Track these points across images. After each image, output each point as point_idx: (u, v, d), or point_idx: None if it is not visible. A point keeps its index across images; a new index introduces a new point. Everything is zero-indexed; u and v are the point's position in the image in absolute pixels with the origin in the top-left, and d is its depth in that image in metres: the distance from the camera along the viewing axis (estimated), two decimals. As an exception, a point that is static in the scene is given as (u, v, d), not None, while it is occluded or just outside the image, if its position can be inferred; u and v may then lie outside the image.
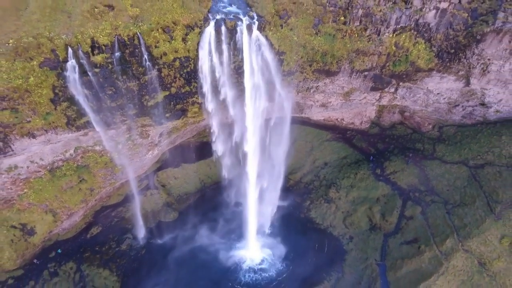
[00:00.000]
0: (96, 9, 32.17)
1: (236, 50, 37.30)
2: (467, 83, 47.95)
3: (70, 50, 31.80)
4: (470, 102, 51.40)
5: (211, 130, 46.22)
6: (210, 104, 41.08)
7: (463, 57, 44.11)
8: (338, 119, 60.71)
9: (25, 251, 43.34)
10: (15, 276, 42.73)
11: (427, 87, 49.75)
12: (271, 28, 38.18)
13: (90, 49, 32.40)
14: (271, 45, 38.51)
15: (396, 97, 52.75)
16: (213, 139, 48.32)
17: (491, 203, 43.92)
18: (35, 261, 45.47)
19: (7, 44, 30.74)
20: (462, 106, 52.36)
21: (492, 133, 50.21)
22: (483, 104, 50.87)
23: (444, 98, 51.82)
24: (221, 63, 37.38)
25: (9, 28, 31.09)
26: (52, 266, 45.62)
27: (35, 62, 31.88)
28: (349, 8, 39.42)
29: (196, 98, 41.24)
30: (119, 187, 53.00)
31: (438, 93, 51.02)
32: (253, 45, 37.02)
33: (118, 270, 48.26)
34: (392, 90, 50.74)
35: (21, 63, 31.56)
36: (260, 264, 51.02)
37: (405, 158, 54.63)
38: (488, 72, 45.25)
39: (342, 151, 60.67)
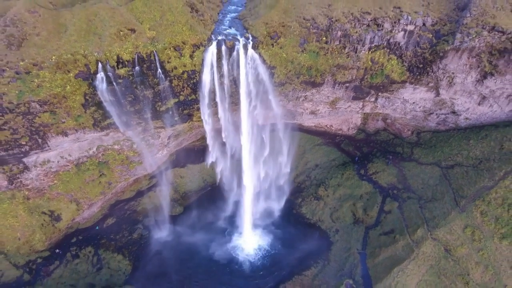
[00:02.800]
0: (121, 32, 39.96)
1: (234, 65, 44.70)
2: (437, 94, 54.72)
3: (100, 64, 39.49)
4: (442, 110, 57.97)
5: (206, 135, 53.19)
6: (210, 110, 48.35)
7: (431, 71, 51.06)
8: (328, 126, 67.60)
9: (52, 235, 50.32)
10: (43, 256, 49.59)
11: (403, 97, 56.56)
12: (264, 47, 45.66)
13: (115, 63, 40.05)
14: (263, 60, 45.92)
15: (377, 106, 59.58)
16: (208, 142, 55.07)
17: (457, 198, 49.95)
18: (57, 250, 52.00)
19: (50, 60, 38.57)
20: (436, 114, 58.91)
21: (462, 137, 56.49)
22: (454, 112, 57.39)
23: (420, 107, 58.50)
24: (221, 75, 44.84)
25: (52, 47, 38.98)
26: (74, 249, 52.46)
27: (71, 74, 39.64)
28: (330, 30, 46.83)
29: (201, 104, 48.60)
30: (132, 183, 60.13)
31: (413, 102, 57.74)
32: (248, 60, 44.44)
33: (130, 255, 54.75)
34: (373, 99, 57.61)
35: (60, 75, 39.33)
36: (255, 253, 57.08)
37: (386, 160, 61.08)
38: (454, 84, 52.05)
39: (331, 154, 67.30)
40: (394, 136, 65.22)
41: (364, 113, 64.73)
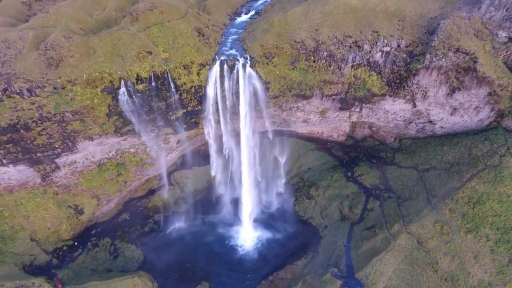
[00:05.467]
0: (140, 54, 47.91)
1: (234, 81, 52.33)
2: (414, 105, 61.83)
3: (122, 81, 47.38)
4: (420, 120, 64.97)
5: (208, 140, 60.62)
6: (213, 118, 55.98)
7: (406, 85, 58.27)
8: (319, 133, 74.90)
9: (76, 226, 57.93)
10: (68, 245, 57.17)
11: (384, 108, 63.74)
12: (260, 65, 53.31)
13: (135, 80, 47.94)
14: (260, 77, 53.54)
15: (362, 115, 66.79)
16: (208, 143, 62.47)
17: (429, 197, 56.66)
18: (75, 243, 59.35)
19: (82, 77, 46.57)
20: (415, 123, 65.90)
21: (437, 144, 63.31)
22: (430, 122, 64.35)
23: (400, 117, 65.57)
24: (223, 90, 52.52)
25: (83, 67, 47.07)
26: (94, 240, 60.01)
27: (99, 89, 47.58)
28: (317, 51, 54.42)
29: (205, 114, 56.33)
30: (144, 183, 67.80)
31: (394, 113, 64.86)
32: (246, 77, 52.10)
33: (142, 246, 61.99)
34: (358, 109, 64.88)
35: (89, 90, 47.29)
36: (253, 245, 64.10)
37: (370, 164, 68.11)
38: (428, 97, 59.14)
39: (323, 158, 74.46)
40: (379, 142, 72.26)
41: (352, 122, 71.95)
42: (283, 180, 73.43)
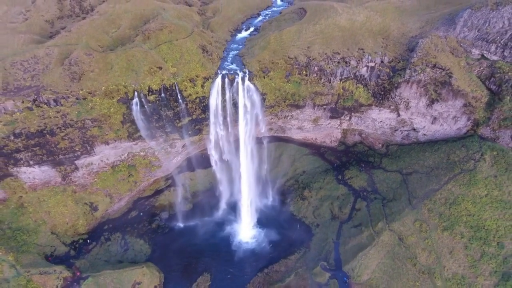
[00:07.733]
0: (152, 69, 54.38)
1: (234, 92, 58.65)
2: (398, 115, 67.84)
3: (135, 92, 53.86)
4: (405, 127, 70.89)
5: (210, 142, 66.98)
6: (214, 125, 62.18)
7: (390, 97, 64.35)
8: (313, 139, 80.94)
9: (91, 222, 64.19)
10: (84, 238, 63.37)
11: (372, 117, 69.76)
12: (257, 79, 59.62)
13: (147, 92, 54.41)
14: (257, 89, 59.84)
15: (352, 123, 72.81)
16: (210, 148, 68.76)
17: (410, 198, 62.39)
18: (88, 241, 65.26)
19: (100, 89, 53.05)
20: (400, 130, 71.82)
21: (420, 150, 69.09)
22: (414, 129, 70.25)
23: (387, 125, 71.53)
24: (224, 100, 58.82)
25: (102, 80, 53.58)
26: (106, 234, 66.13)
27: (115, 100, 54.07)
28: (308, 66, 60.72)
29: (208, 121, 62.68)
30: (151, 183, 74.03)
31: (381, 121, 70.85)
32: (245, 89, 58.40)
33: (149, 241, 67.93)
34: (347, 118, 70.95)
35: (107, 100, 53.78)
36: (251, 241, 69.86)
37: (359, 167, 73.97)
38: (410, 107, 65.14)
39: (316, 162, 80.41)
40: (368, 148, 78.15)
41: (343, 129, 77.96)
42: (277, 183, 79.31)
